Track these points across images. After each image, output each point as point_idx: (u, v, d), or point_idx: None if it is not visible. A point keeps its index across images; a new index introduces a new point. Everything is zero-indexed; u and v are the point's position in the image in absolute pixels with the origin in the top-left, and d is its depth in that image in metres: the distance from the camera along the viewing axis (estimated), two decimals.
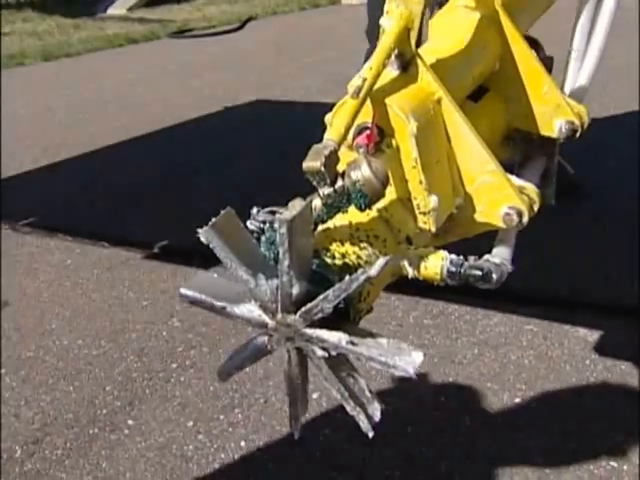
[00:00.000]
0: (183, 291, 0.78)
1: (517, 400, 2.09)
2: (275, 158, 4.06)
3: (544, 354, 2.28)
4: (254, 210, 0.86)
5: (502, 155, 1.07)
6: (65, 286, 2.98)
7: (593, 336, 2.35)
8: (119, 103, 5.91)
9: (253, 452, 1.96)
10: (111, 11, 10.71)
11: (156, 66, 7.31)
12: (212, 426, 2.07)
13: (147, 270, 3.06)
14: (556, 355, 2.27)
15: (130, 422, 2.12)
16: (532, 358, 2.27)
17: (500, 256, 0.88)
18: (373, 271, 0.68)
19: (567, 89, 1.25)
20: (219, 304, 0.76)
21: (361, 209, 0.81)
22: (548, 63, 1.18)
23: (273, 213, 0.84)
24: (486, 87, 1.14)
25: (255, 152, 4.34)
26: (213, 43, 7.76)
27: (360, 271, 0.68)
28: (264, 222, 0.83)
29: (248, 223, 0.84)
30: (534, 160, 1.15)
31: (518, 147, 1.17)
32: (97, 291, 2.92)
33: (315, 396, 2.13)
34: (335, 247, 0.81)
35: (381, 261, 0.68)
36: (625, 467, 1.82)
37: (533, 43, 1.20)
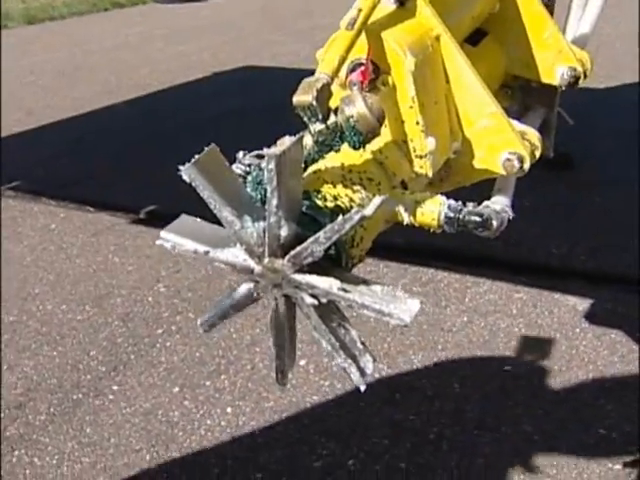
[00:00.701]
0: (164, 235, 0.74)
1: (507, 368, 2.07)
2: (263, 124, 3.99)
3: (534, 322, 2.27)
4: (240, 154, 0.81)
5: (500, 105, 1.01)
6: (49, 250, 2.94)
7: (583, 304, 2.34)
8: (105, 67, 5.81)
9: (239, 418, 1.94)
10: None
11: (142, 31, 7.18)
12: (198, 392, 2.05)
13: (133, 235, 3.01)
14: (546, 323, 2.26)
15: (115, 387, 2.10)
16: (522, 326, 2.25)
17: (500, 203, 0.84)
18: (368, 210, 0.63)
19: (569, 36, 1.20)
20: (202, 248, 0.71)
21: (355, 147, 0.76)
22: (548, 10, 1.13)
23: (260, 157, 0.79)
24: (485, 31, 1.09)
25: (243, 118, 4.28)
26: (200, 8, 7.63)
27: (354, 210, 0.63)
28: (250, 165, 0.78)
29: (234, 167, 0.80)
30: (533, 110, 1.11)
31: (516, 96, 1.13)
32: (82, 256, 2.87)
33: (302, 363, 2.10)
34: (326, 189, 0.76)
35: (377, 200, 0.64)
36: (614, 434, 1.81)
37: None
